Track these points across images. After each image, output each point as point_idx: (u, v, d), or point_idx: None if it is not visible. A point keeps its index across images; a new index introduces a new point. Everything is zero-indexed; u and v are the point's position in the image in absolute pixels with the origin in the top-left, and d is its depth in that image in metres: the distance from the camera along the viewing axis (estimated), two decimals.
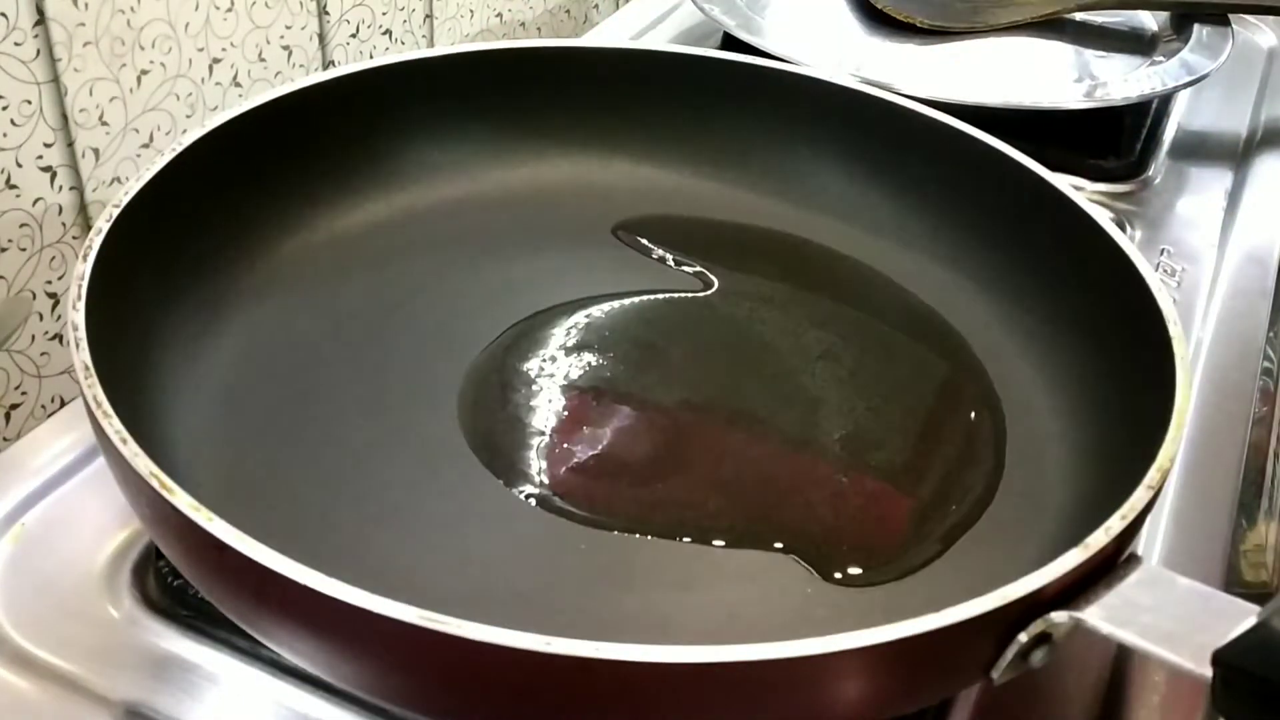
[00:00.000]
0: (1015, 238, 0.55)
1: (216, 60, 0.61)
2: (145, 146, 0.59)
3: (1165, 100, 0.82)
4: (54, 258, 0.56)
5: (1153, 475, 0.38)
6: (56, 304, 0.57)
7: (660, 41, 0.86)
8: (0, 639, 0.44)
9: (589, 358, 0.51)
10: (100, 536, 0.48)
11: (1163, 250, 0.68)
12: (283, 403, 0.48)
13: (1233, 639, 0.32)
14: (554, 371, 0.50)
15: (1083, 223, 0.51)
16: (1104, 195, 0.72)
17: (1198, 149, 0.78)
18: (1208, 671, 0.32)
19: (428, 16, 0.76)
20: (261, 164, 0.53)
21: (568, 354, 0.51)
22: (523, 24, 0.86)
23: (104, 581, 0.46)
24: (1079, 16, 0.84)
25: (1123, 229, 0.52)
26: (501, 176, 0.60)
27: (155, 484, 0.35)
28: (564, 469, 0.46)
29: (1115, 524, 0.36)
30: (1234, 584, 0.49)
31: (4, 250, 0.54)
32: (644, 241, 0.58)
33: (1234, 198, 0.74)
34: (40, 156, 0.54)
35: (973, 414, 0.50)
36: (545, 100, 0.60)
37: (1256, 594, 0.49)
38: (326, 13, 0.67)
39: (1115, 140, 0.76)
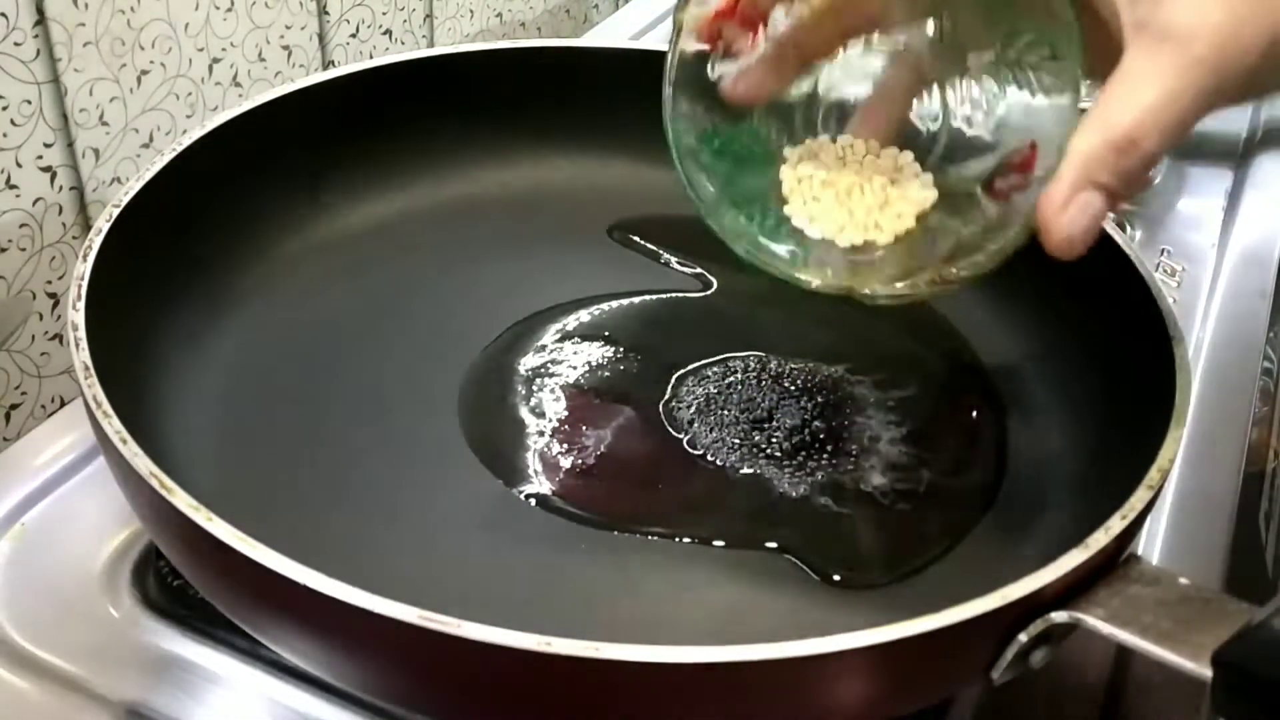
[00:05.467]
0: None
1: (216, 60, 0.61)
2: (145, 146, 0.59)
3: None
4: (54, 258, 0.56)
5: (1153, 475, 0.38)
6: (56, 304, 0.57)
7: (660, 41, 0.86)
8: (0, 639, 0.44)
9: (589, 358, 0.51)
10: (100, 536, 0.48)
11: (1163, 250, 0.68)
12: (282, 403, 0.48)
13: (1233, 639, 0.32)
14: (554, 372, 0.50)
15: None
16: None
17: (1198, 149, 0.77)
18: (1208, 671, 0.32)
19: (428, 16, 0.76)
20: (261, 164, 0.53)
21: (567, 354, 0.51)
22: (523, 24, 0.86)
23: (104, 581, 0.46)
24: None
25: (1123, 229, 0.52)
26: (501, 176, 0.60)
27: (155, 484, 0.35)
28: (564, 469, 0.46)
29: (1115, 524, 0.36)
30: (1234, 584, 0.49)
31: (4, 250, 0.54)
32: (643, 242, 0.58)
33: (1234, 198, 0.74)
34: (40, 156, 0.54)
35: (973, 414, 0.50)
36: (545, 100, 0.60)
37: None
38: (326, 13, 0.67)
39: None
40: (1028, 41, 0.40)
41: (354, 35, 0.70)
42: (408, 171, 0.58)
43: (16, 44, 0.51)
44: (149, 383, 0.46)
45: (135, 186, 0.47)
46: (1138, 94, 0.35)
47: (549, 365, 0.51)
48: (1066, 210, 0.36)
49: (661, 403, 0.49)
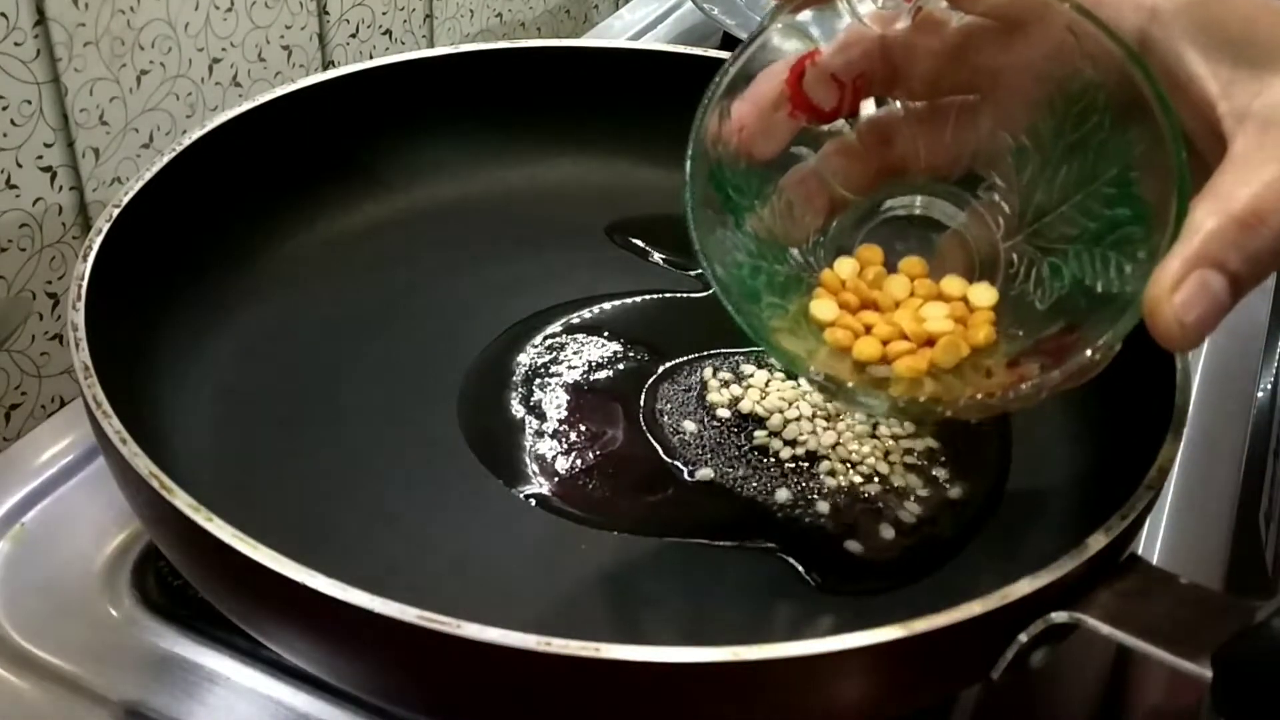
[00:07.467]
0: None
1: (216, 60, 0.61)
2: (145, 146, 0.59)
3: None
4: (54, 258, 0.56)
5: (1153, 475, 0.38)
6: (56, 304, 0.57)
7: (660, 41, 0.86)
8: (0, 639, 0.44)
9: (588, 358, 0.51)
10: (100, 536, 0.48)
11: None
12: (282, 403, 0.48)
13: (1233, 639, 0.32)
14: (553, 372, 0.50)
15: None
16: None
17: None
18: (1208, 671, 0.32)
19: (428, 16, 0.76)
20: (261, 164, 0.53)
21: (567, 355, 0.51)
22: (523, 24, 0.86)
23: (104, 581, 0.46)
24: None
25: None
26: (501, 176, 0.60)
27: (155, 484, 0.35)
28: (564, 469, 0.46)
29: (1115, 524, 0.36)
30: (1234, 584, 0.49)
31: (4, 250, 0.54)
32: (643, 242, 0.58)
33: None
34: (40, 156, 0.54)
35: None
36: (545, 100, 0.60)
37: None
38: (326, 13, 0.67)
39: None
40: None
41: (354, 35, 0.70)
42: (408, 171, 0.58)
43: (16, 44, 0.51)
44: (149, 383, 0.46)
45: (135, 186, 0.47)
46: (1257, 173, 0.32)
47: (548, 365, 0.51)
48: (1180, 291, 0.32)
49: (661, 403, 0.49)
